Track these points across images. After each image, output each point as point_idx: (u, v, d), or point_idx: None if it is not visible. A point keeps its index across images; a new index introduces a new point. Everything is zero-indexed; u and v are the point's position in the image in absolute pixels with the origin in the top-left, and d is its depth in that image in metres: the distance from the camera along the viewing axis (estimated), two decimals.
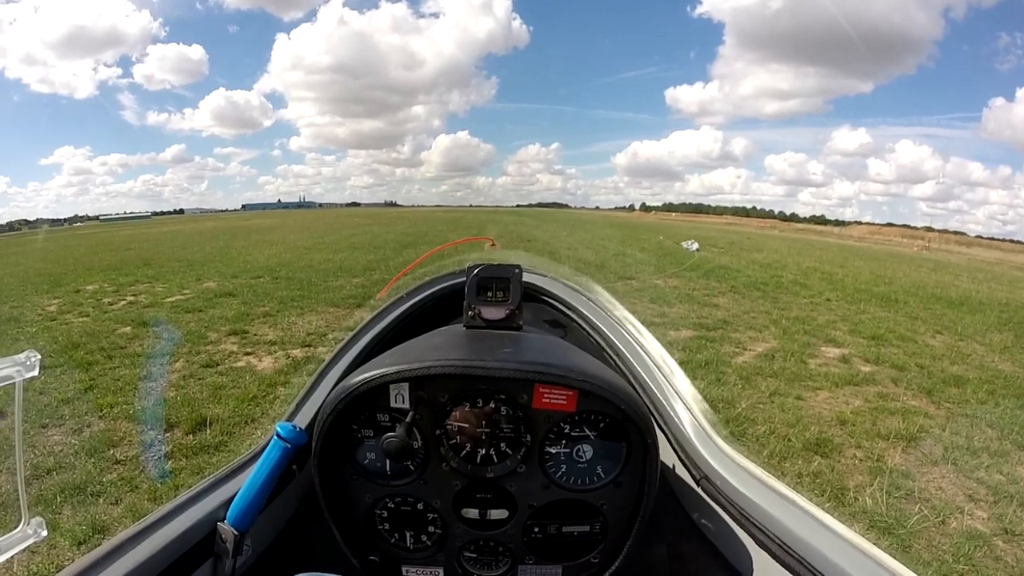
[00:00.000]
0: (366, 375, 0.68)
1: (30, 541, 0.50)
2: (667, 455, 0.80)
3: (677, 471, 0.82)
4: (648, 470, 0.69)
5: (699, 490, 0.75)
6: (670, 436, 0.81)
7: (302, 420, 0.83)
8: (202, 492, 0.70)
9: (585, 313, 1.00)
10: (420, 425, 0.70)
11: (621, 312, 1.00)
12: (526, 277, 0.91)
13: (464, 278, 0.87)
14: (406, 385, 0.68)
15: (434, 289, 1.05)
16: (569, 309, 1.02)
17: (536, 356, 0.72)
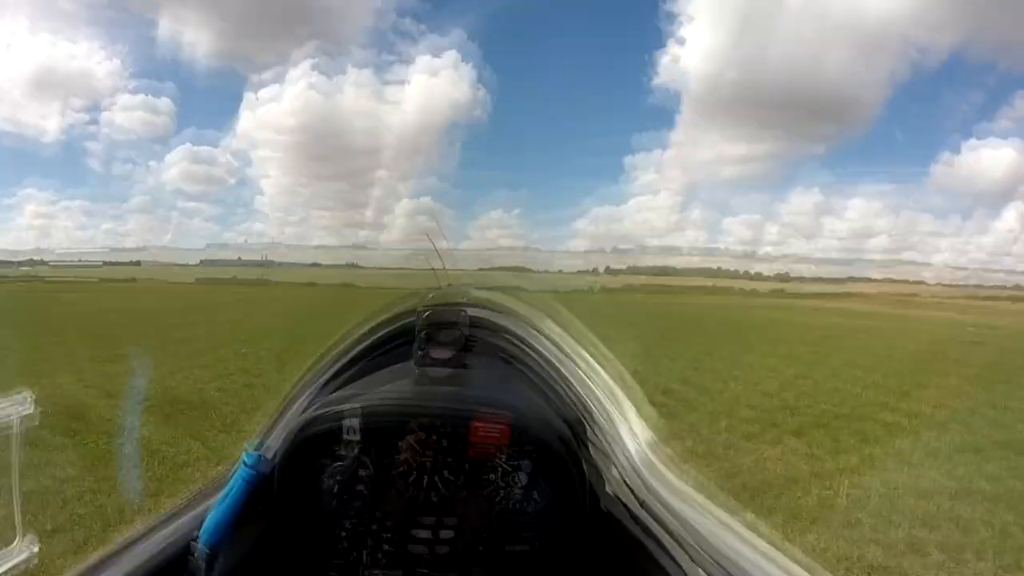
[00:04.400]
0: (319, 412, 0.79)
1: (24, 555, 0.56)
2: (612, 477, 0.88)
3: (620, 494, 0.86)
4: (579, 495, 0.80)
5: (642, 512, 0.80)
6: (615, 460, 0.88)
7: (270, 447, 0.89)
8: (175, 514, 0.76)
9: (536, 346, 1.05)
10: (370, 455, 0.80)
11: (571, 344, 1.05)
12: (481, 312, 1.03)
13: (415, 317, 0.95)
14: (356, 419, 0.78)
15: (387, 330, 1.09)
16: (522, 343, 1.07)
17: (474, 394, 0.86)
